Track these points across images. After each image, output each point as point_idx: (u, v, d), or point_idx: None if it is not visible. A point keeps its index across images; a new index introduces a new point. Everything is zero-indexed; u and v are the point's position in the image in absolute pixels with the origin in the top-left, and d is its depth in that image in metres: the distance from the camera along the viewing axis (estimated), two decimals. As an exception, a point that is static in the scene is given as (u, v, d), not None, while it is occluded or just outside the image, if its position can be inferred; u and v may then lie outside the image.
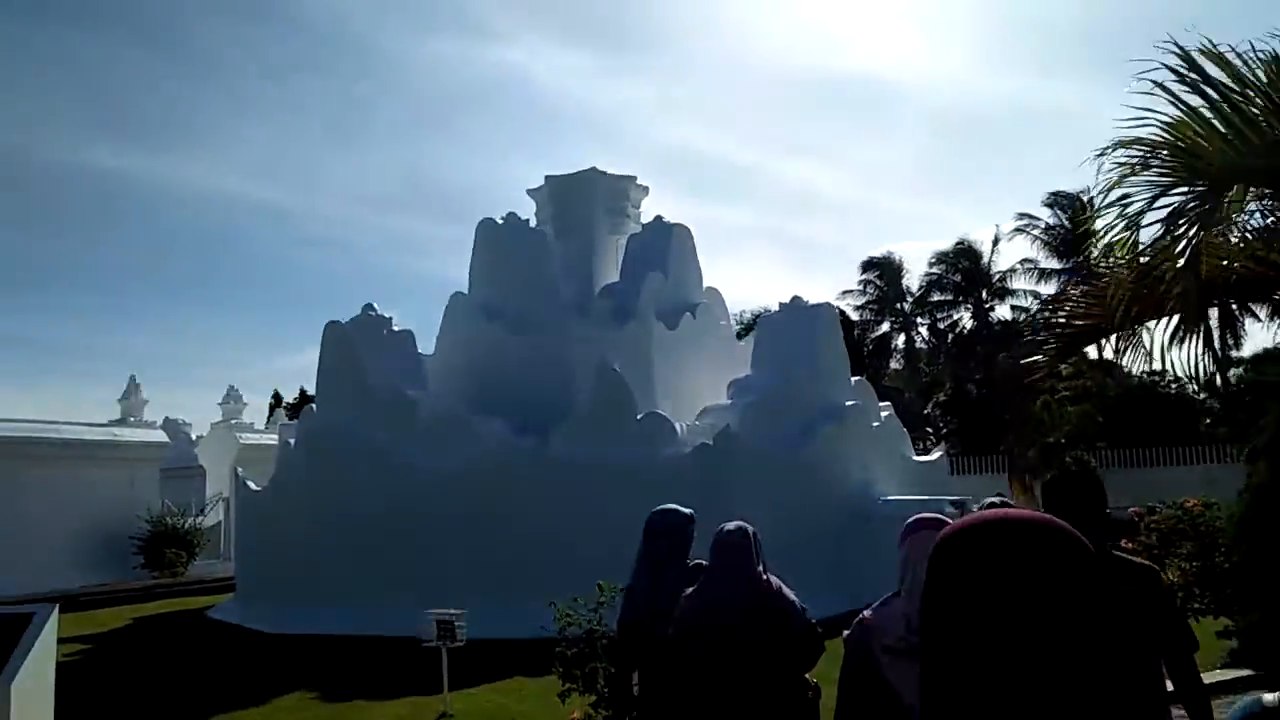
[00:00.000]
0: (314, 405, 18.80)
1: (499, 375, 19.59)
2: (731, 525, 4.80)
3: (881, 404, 21.38)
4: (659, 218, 22.54)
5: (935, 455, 21.55)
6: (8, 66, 64.53)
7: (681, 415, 17.62)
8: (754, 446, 16.41)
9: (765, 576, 4.62)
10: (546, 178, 23.11)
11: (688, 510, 5.86)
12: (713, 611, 4.49)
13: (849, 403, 19.10)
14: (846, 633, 3.57)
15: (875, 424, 19.85)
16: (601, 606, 8.06)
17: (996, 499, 4.99)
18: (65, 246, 72.05)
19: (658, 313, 20.58)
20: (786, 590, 4.67)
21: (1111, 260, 6.52)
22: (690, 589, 4.75)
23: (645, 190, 23.87)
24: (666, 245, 21.86)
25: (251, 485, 19.54)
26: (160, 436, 28.89)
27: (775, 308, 21.14)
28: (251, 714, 10.09)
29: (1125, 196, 6.05)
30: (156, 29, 71.61)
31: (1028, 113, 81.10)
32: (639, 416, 16.54)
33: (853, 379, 20.81)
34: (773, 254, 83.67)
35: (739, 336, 24.42)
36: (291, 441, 18.83)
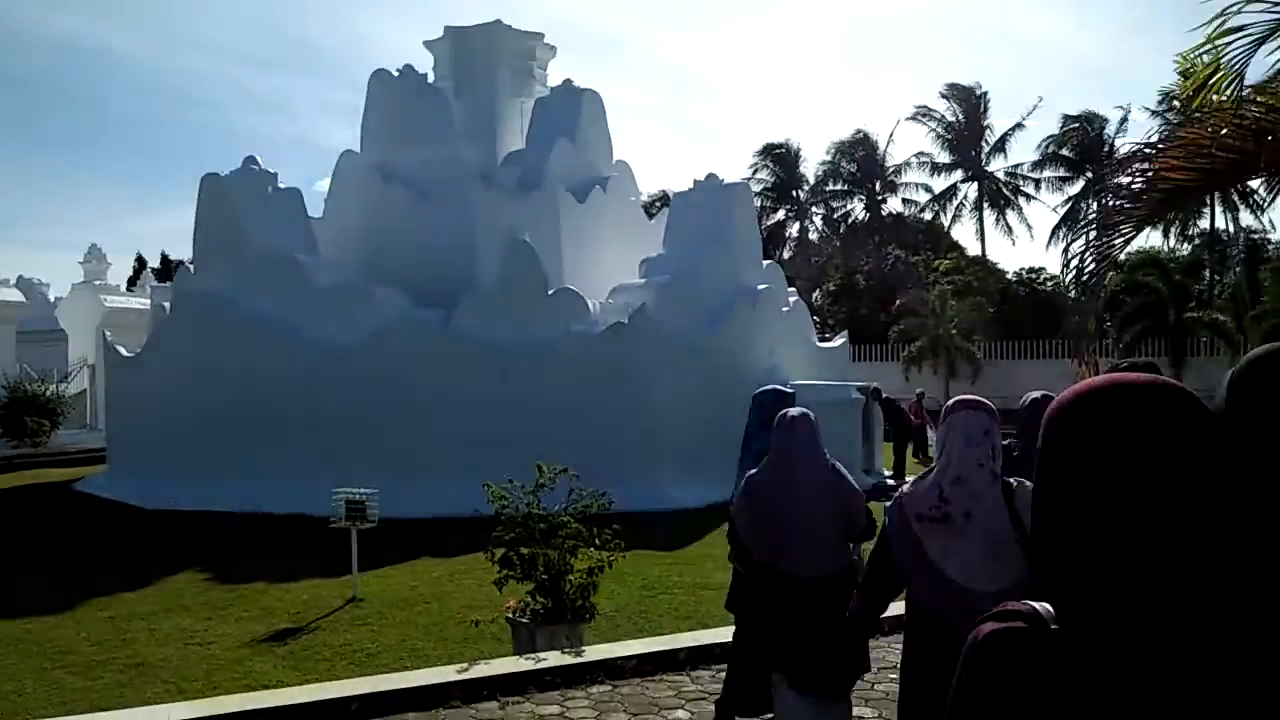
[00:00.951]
0: (190, 266, 17.17)
1: (396, 243, 18.33)
2: (795, 411, 4.79)
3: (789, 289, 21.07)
4: (568, 81, 21.20)
5: (838, 342, 21.47)
6: None
7: (590, 293, 16.84)
8: (668, 327, 15.83)
9: (830, 460, 4.72)
10: (446, 29, 21.40)
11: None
12: (789, 494, 4.54)
13: (761, 286, 18.65)
14: (888, 504, 3.73)
15: (784, 309, 19.52)
16: (541, 489, 7.37)
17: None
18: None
19: (566, 184, 19.53)
20: (845, 471, 4.79)
21: (1206, 106, 5.82)
22: (753, 471, 4.85)
23: (553, 51, 22.41)
24: (576, 112, 20.64)
25: (122, 350, 17.97)
26: (15, 295, 26.44)
27: (672, 189, 20.29)
28: (137, 598, 9.15)
29: (1239, 30, 5.27)
30: None
31: (924, 11, 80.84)
32: (550, 292, 15.69)
33: (765, 262, 20.36)
34: (662, 135, 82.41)
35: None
36: (166, 305, 17.25)
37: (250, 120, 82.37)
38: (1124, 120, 43.61)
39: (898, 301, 37.58)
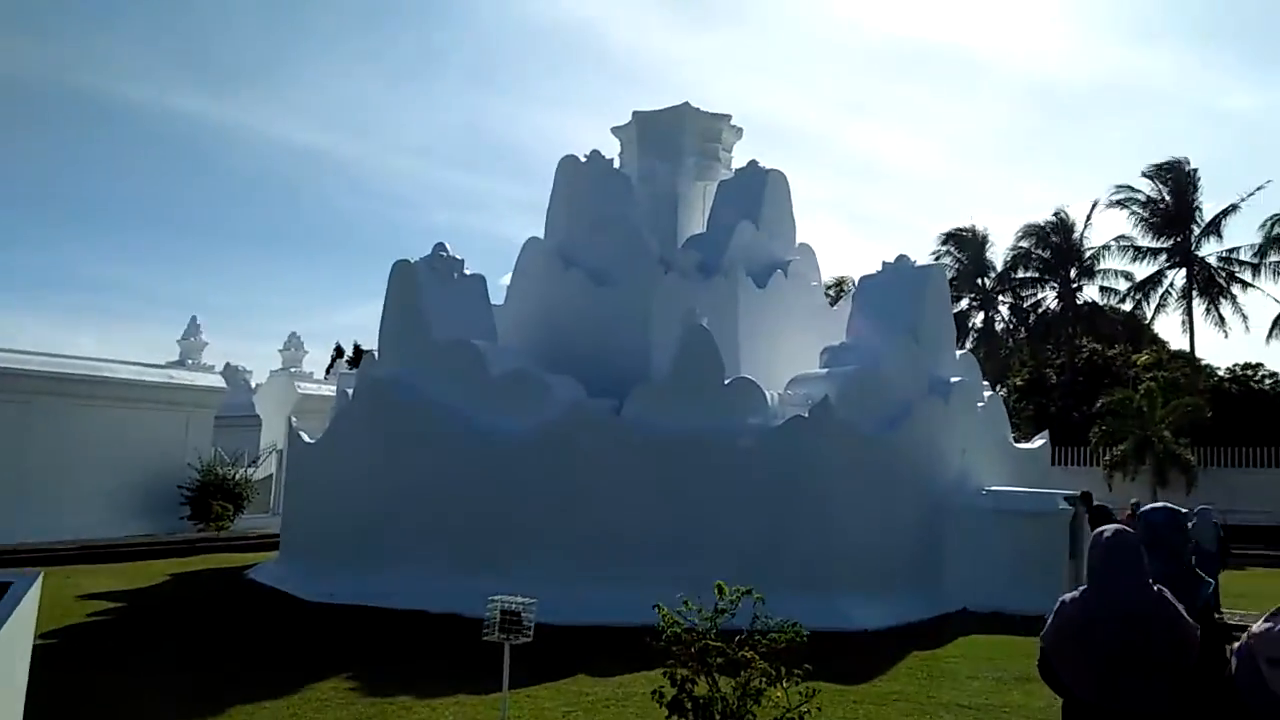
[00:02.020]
0: (375, 353, 17.44)
1: (574, 329, 18.16)
2: (1111, 529, 4.37)
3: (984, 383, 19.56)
4: (753, 162, 20.76)
5: (1038, 443, 19.66)
6: (93, 6, 64.26)
7: (769, 384, 16.00)
8: (851, 421, 14.76)
9: (1152, 583, 4.20)
10: (634, 114, 21.44)
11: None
12: (1112, 624, 4.08)
13: (954, 379, 17.31)
14: (1236, 645, 3.49)
15: (979, 404, 18.05)
16: (721, 614, 6.51)
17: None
18: (140, 188, 72.17)
19: (746, 268, 18.93)
20: (1171, 596, 4.22)
21: None
22: (1068, 596, 4.37)
23: (739, 132, 22.08)
24: (760, 193, 20.14)
25: (305, 437, 18.33)
26: (217, 382, 27.63)
27: (853, 277, 19.24)
28: (279, 706, 8.74)
29: None
30: None
31: (1119, 87, 77.26)
32: (726, 382, 14.96)
33: (958, 352, 19.00)
34: (840, 224, 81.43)
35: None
36: (349, 392, 17.52)
37: (446, 217, 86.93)
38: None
39: (1098, 400, 34.73)
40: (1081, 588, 4.31)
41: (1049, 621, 4.36)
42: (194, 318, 29.08)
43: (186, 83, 69.27)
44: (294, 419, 19.99)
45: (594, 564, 13.82)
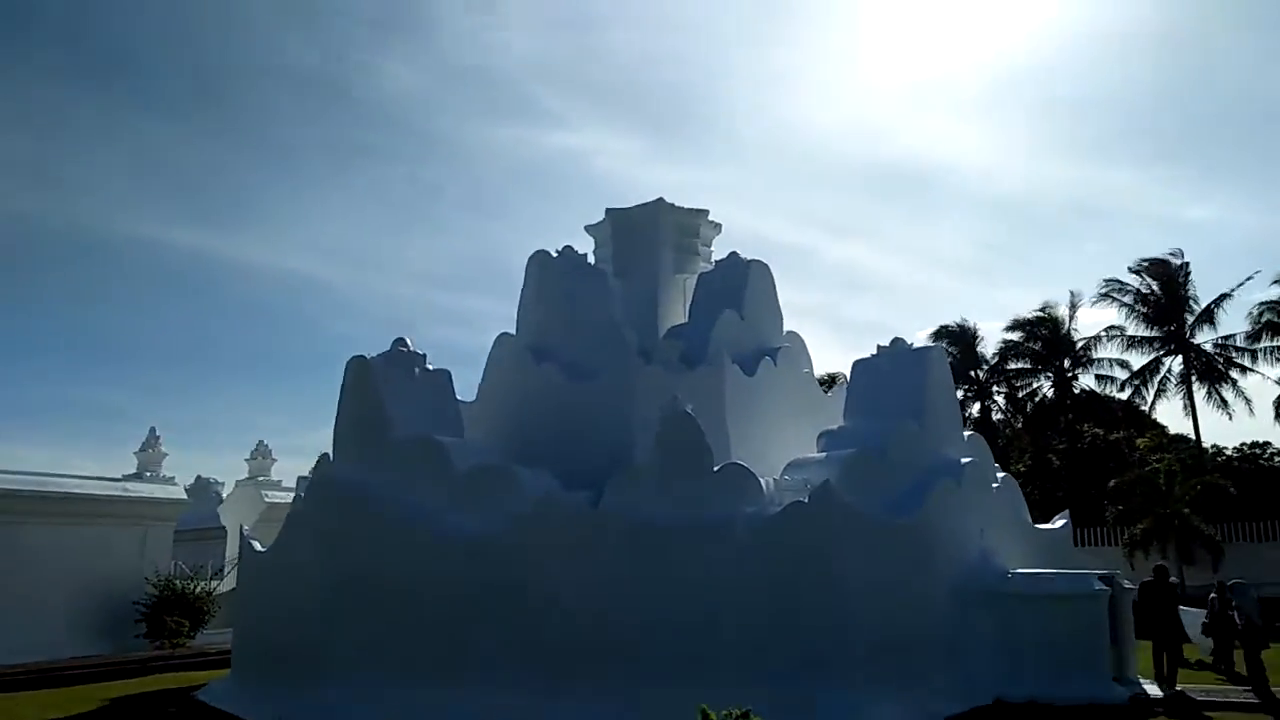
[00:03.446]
0: (330, 455, 16.12)
1: (549, 425, 16.91)
2: None
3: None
4: (734, 254, 19.89)
5: (1059, 523, 18.16)
6: (83, 145, 65.48)
7: (763, 471, 14.67)
8: (857, 506, 13.38)
9: None
10: (608, 211, 20.69)
11: None
12: None
13: (965, 459, 16.01)
14: None
15: (994, 485, 16.70)
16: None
17: None
18: (135, 320, 72.02)
19: (733, 357, 17.82)
20: None
21: None
22: None
23: (717, 228, 21.31)
24: (743, 283, 19.17)
25: (256, 545, 16.84)
26: (176, 493, 26.29)
27: (844, 372, 18.02)
28: None
29: None
30: (230, 115, 72.75)
31: (1083, 201, 78.90)
32: (716, 468, 13.63)
33: (965, 433, 17.74)
34: (823, 334, 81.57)
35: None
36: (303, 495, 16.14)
37: (443, 333, 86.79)
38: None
39: (1107, 482, 33.51)
40: None
41: None
42: (152, 429, 27.88)
43: (186, 219, 69.80)
44: (245, 527, 18.47)
45: (570, 674, 12.30)
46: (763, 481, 13.94)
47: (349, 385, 15.88)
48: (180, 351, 75.78)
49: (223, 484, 32.71)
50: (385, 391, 15.44)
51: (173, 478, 27.57)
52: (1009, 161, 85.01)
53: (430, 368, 16.47)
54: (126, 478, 26.72)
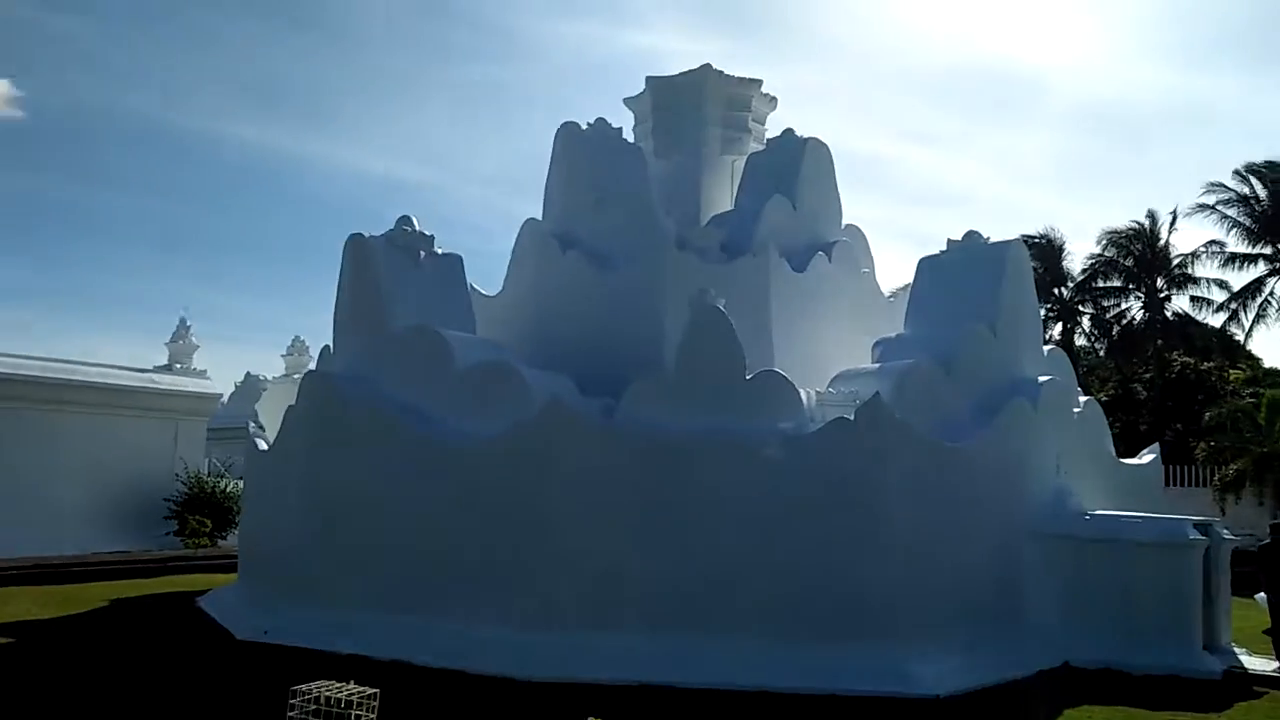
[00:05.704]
0: (330, 346, 14.56)
1: (574, 321, 15.19)
2: None
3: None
4: (789, 131, 17.52)
5: (1147, 458, 15.90)
6: (158, 39, 64.48)
7: (806, 382, 12.72)
8: (912, 426, 11.38)
9: None
10: (648, 80, 18.40)
11: None
12: None
13: (1043, 377, 13.80)
14: None
15: (1075, 410, 14.49)
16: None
17: None
18: (194, 211, 71.75)
19: (782, 249, 15.70)
20: None
21: None
22: None
23: (773, 102, 18.92)
24: (797, 166, 16.88)
25: (260, 444, 15.54)
26: (210, 387, 25.55)
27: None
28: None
29: None
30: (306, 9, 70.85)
31: (1179, 107, 73.05)
32: (749, 376, 11.70)
33: (1045, 347, 15.48)
34: (903, 248, 77.79)
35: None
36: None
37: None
38: None
39: (1201, 416, 30.65)
40: None
41: None
42: (182, 319, 26.99)
43: (260, 119, 68.74)
44: (251, 423, 17.18)
45: (566, 611, 10.77)
46: (803, 394, 12.01)
47: (346, 269, 14.19)
48: (240, 243, 75.55)
49: (268, 380, 32.04)
50: (385, 275, 13.71)
51: (204, 370, 26.68)
52: (1100, 67, 78.88)
53: (440, 251, 14.66)
54: (158, 369, 25.92)
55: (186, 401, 23.99)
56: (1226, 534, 12.70)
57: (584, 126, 16.80)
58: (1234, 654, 12.00)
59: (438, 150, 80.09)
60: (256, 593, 13.88)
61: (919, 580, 10.71)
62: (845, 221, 17.58)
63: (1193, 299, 42.46)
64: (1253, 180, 40.27)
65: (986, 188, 79.42)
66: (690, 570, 10.72)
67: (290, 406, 14.19)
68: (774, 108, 18.94)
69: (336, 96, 75.67)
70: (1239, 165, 40.96)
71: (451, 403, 12.45)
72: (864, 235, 17.67)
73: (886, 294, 17.81)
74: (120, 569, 18.82)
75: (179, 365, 26.16)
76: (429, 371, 12.78)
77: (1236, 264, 40.84)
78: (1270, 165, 39.78)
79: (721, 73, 17.92)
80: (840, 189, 17.55)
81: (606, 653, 10.17)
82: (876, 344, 14.30)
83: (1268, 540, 12.39)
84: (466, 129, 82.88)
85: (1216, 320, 41.89)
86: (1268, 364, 44.41)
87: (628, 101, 18.94)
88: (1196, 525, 12.12)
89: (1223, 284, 41.32)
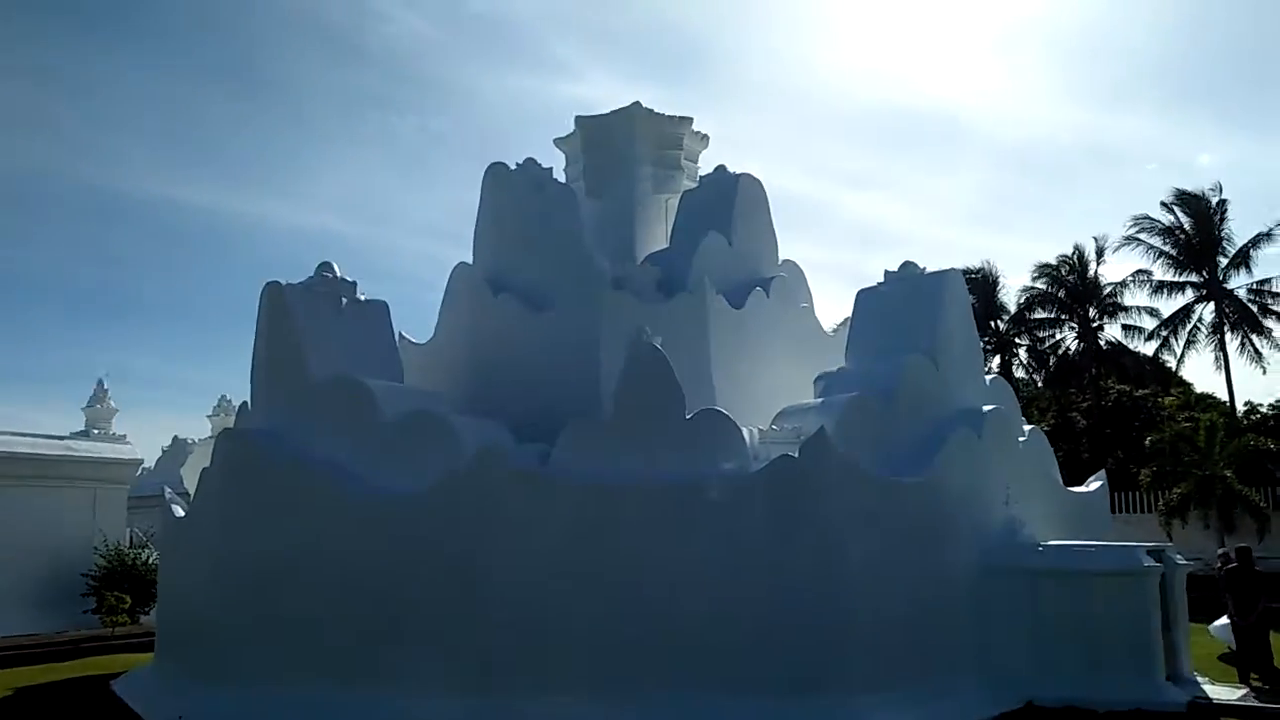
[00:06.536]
0: (248, 403, 13.80)
1: (507, 366, 14.64)
2: None
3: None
4: (721, 167, 17.30)
5: (1094, 485, 15.73)
6: (98, 104, 63.28)
7: (749, 421, 12.31)
8: (857, 461, 11.00)
9: None
10: (578, 119, 18.07)
11: None
12: None
13: (987, 407, 13.57)
14: None
15: (1021, 438, 14.27)
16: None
17: None
18: (136, 277, 70.00)
19: (719, 286, 15.37)
20: None
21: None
22: None
23: (705, 140, 18.73)
24: (730, 202, 16.62)
25: (176, 510, 14.63)
26: (130, 452, 24.31)
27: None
28: None
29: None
30: (240, 70, 70.07)
31: (1099, 147, 75.43)
32: (689, 416, 11.24)
33: (987, 376, 15.29)
34: (841, 288, 78.70)
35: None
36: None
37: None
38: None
39: (1146, 441, 30.88)
40: None
41: None
42: (100, 381, 25.82)
43: (196, 179, 67.44)
44: (168, 489, 16.23)
45: (507, 674, 10.08)
46: (746, 432, 11.58)
47: (262, 317, 13.51)
48: (172, 305, 73.70)
49: (196, 443, 30.84)
50: (304, 325, 13.07)
51: (124, 435, 25.38)
52: (1021, 109, 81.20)
53: (363, 298, 14.06)
54: (74, 435, 24.65)
55: (105, 468, 22.65)
56: (1180, 559, 12.47)
57: (513, 167, 16.39)
58: (1197, 683, 11.69)
59: (373, 203, 79.47)
60: (172, 673, 12.91)
61: (872, 623, 10.26)
62: (782, 258, 17.33)
63: (1124, 327, 43.23)
64: (1177, 211, 41.25)
65: (921, 229, 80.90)
66: (634, 623, 10.15)
67: (205, 469, 13.36)
68: (706, 145, 18.76)
69: (269, 154, 74.90)
70: (1164, 197, 41.93)
71: (378, 456, 11.80)
72: (801, 271, 17.45)
73: (828, 330, 17.55)
74: (30, 654, 17.44)
75: (97, 430, 24.95)
76: (353, 424, 12.12)
77: (1165, 292, 41.60)
78: (1191, 195, 40.82)
79: (652, 111, 17.69)
80: (777, 230, 17.36)
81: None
82: (818, 379, 13.96)
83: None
84: (402, 181, 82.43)
85: (1149, 348, 42.62)
86: (1199, 389, 45.40)
87: (558, 142, 18.61)
88: (1150, 551, 11.87)
89: (1153, 311, 42.11)
